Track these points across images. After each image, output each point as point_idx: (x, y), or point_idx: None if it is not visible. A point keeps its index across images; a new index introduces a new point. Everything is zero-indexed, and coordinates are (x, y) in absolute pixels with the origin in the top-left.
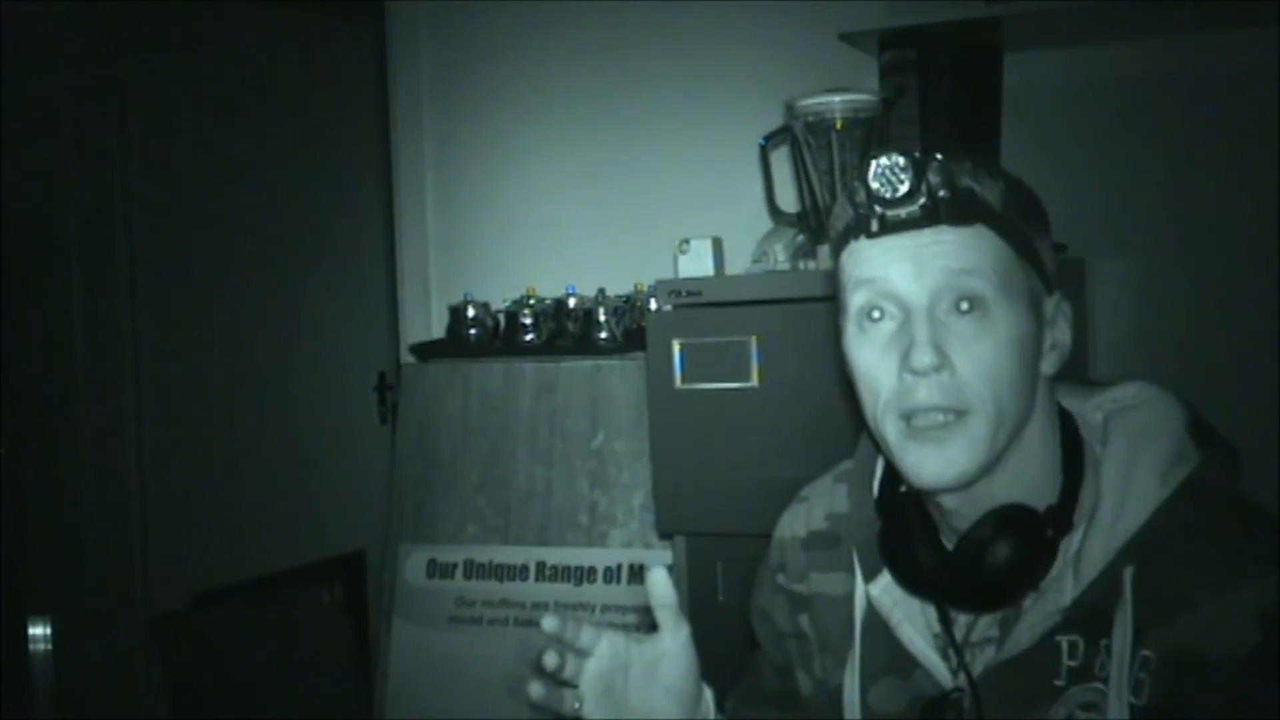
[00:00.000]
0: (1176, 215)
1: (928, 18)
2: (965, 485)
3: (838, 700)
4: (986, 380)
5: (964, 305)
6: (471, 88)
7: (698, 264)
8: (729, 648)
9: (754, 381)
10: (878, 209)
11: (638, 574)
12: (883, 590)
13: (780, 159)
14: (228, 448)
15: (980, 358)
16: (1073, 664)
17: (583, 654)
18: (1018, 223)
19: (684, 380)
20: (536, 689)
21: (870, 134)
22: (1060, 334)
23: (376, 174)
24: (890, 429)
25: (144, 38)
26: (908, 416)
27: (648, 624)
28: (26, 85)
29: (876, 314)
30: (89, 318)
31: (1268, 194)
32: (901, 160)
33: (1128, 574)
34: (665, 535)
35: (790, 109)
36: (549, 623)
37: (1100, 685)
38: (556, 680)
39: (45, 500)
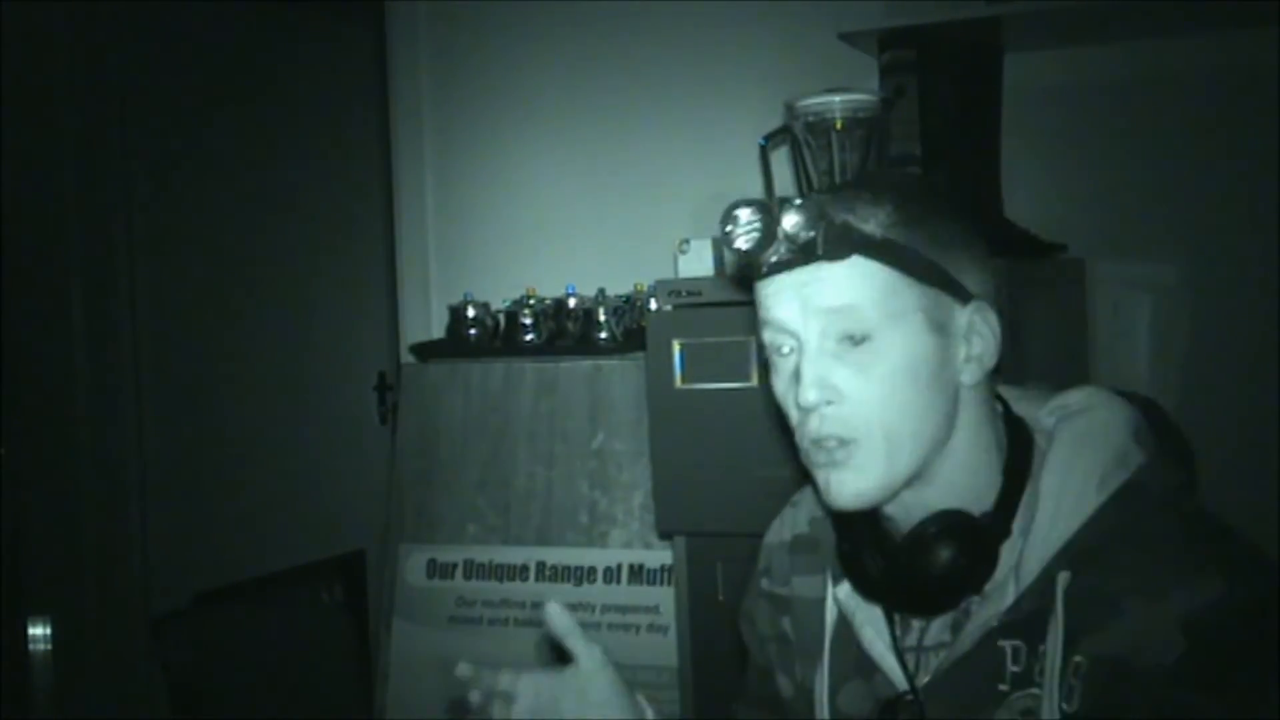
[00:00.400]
0: (1176, 215)
1: (928, 18)
2: (871, 506)
3: (813, 702)
4: (876, 408)
5: (850, 339)
6: (471, 88)
7: (698, 264)
8: (729, 647)
9: (754, 381)
10: (744, 260)
11: (638, 574)
12: (847, 594)
13: (780, 159)
14: (228, 448)
15: (868, 386)
16: (1016, 669)
17: (507, 696)
18: (906, 244)
19: (684, 380)
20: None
21: (870, 134)
22: (980, 344)
23: (376, 174)
24: (803, 452)
25: (144, 37)
26: (815, 443)
27: (644, 624)
28: (26, 85)
29: (784, 349)
30: (89, 318)
31: (1268, 194)
32: (749, 212)
33: (1061, 579)
34: (665, 535)
35: (790, 109)
36: (463, 669)
37: (1037, 691)
38: None
39: (45, 500)
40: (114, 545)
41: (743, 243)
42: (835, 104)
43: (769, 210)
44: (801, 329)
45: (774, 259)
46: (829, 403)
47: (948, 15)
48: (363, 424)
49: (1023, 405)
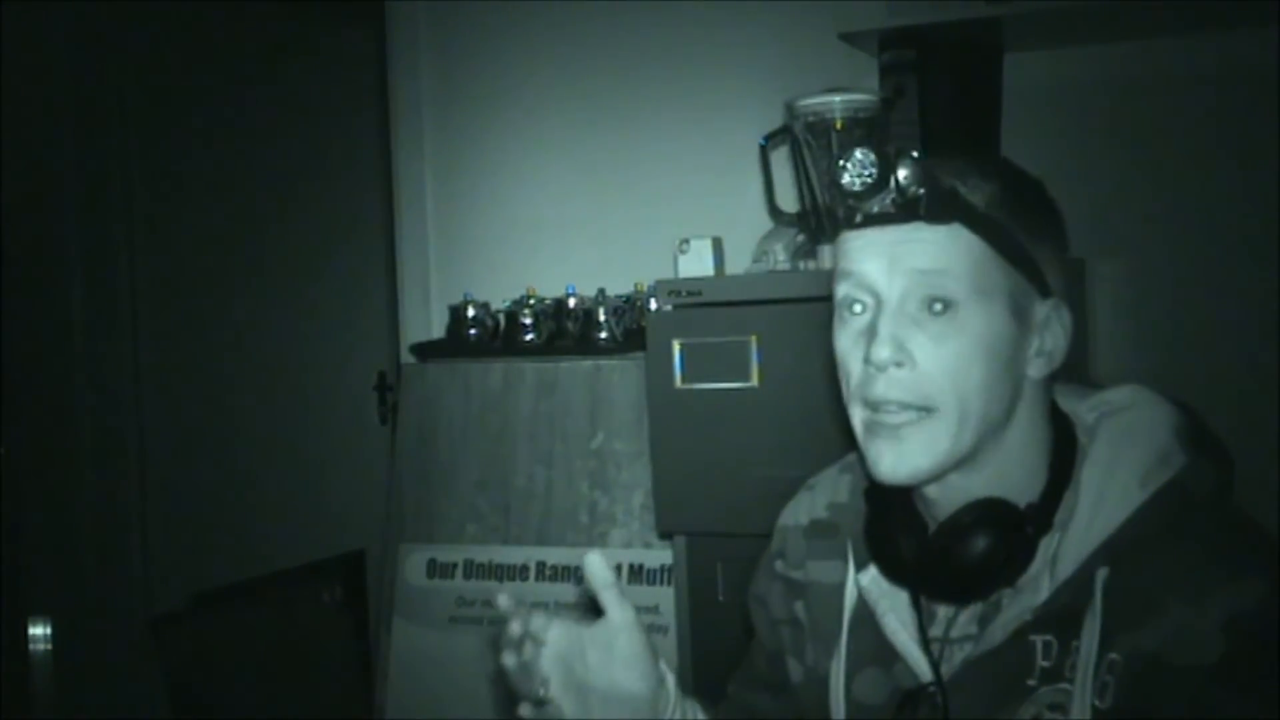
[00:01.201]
0: (1176, 215)
1: (928, 18)
2: (921, 483)
3: (826, 688)
4: (951, 379)
5: (936, 306)
6: (471, 88)
7: (698, 264)
8: (729, 647)
9: (754, 381)
10: (850, 202)
11: (638, 574)
12: (871, 580)
13: (780, 159)
14: (227, 447)
15: (946, 357)
16: (1046, 664)
17: (536, 639)
18: (1007, 225)
19: (684, 380)
20: (510, 658)
21: (870, 134)
22: (1052, 340)
23: (376, 174)
24: (856, 418)
25: (143, 38)
26: (873, 407)
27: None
28: (26, 85)
29: (857, 307)
30: (89, 318)
31: (1267, 194)
32: (869, 155)
33: (1100, 576)
34: (665, 535)
35: (790, 109)
36: (503, 600)
37: (1068, 686)
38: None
39: (45, 500)
40: (114, 545)
41: (855, 183)
42: (835, 104)
43: (886, 157)
44: (885, 287)
45: (875, 209)
46: (899, 365)
47: (948, 15)
48: (363, 424)
49: (1065, 401)
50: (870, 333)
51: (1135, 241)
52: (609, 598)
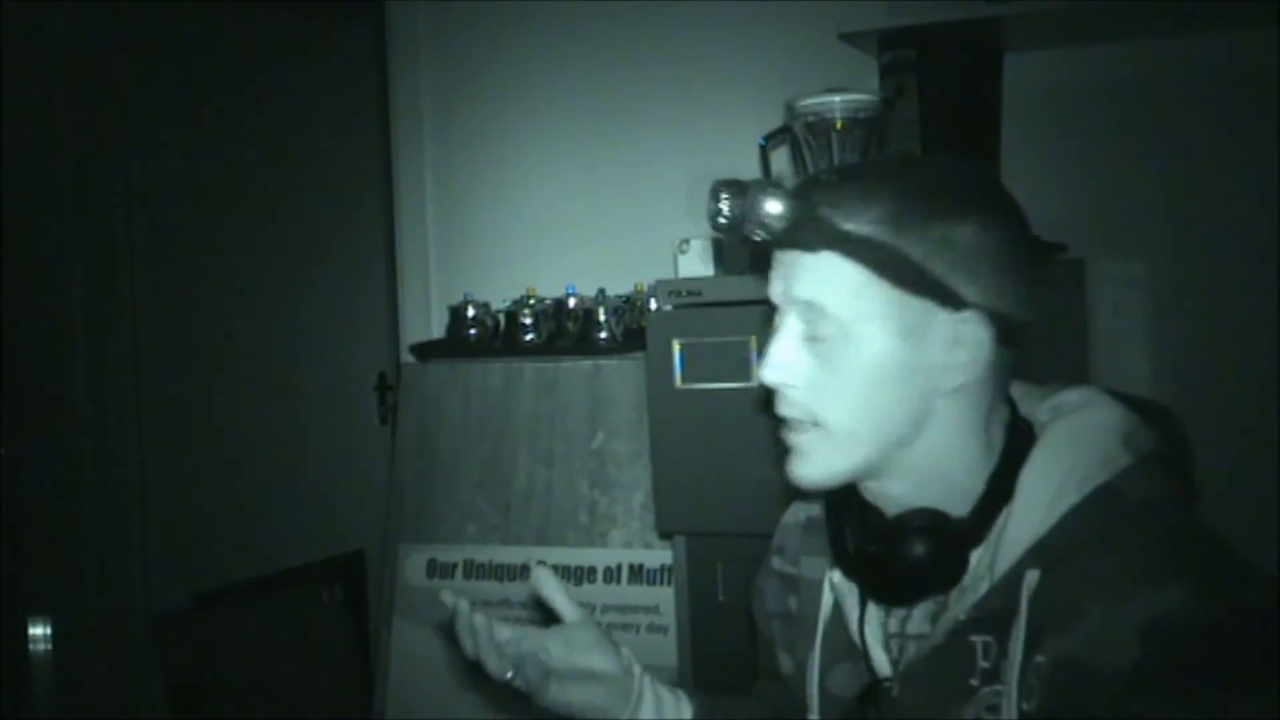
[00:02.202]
0: (1176, 215)
1: (928, 18)
2: (819, 489)
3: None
4: (836, 400)
5: (819, 329)
6: (471, 88)
7: (698, 264)
8: (729, 647)
9: (754, 381)
10: (721, 235)
11: (638, 574)
12: (840, 577)
13: (780, 159)
14: (228, 447)
15: (829, 379)
16: (985, 665)
17: (500, 649)
18: (893, 244)
19: (684, 380)
20: (467, 643)
21: (870, 134)
22: (963, 354)
23: (376, 174)
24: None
25: (143, 38)
26: (779, 419)
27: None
28: (26, 85)
29: (777, 319)
30: (89, 318)
31: (1268, 194)
32: (723, 190)
33: (1029, 578)
34: (665, 535)
35: (790, 109)
36: (447, 595)
37: (1002, 688)
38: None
39: (45, 500)
40: (114, 545)
41: (715, 219)
42: (835, 104)
43: (746, 192)
44: (782, 308)
45: (758, 238)
46: (790, 385)
47: (948, 15)
48: (363, 424)
49: (1026, 403)
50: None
51: (1135, 241)
52: (560, 601)
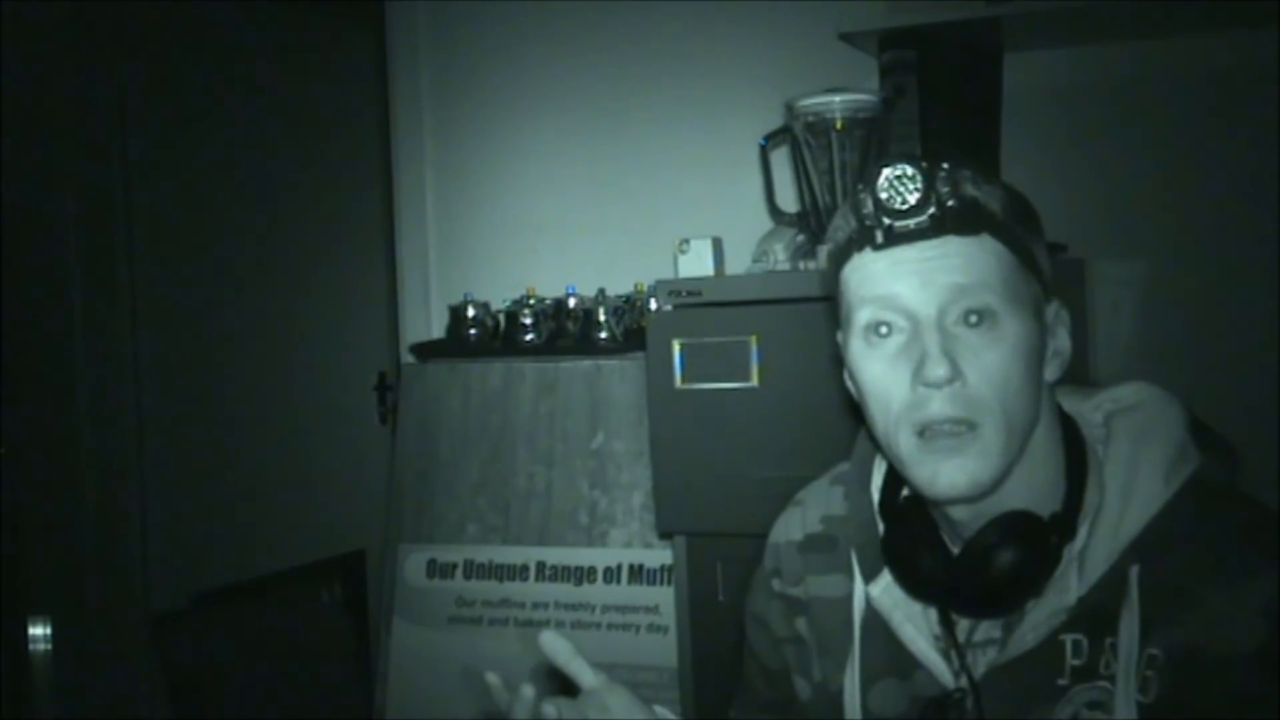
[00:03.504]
0: (1176, 215)
1: (928, 18)
2: (980, 496)
3: (838, 703)
4: (996, 390)
5: (972, 318)
6: (471, 88)
7: (698, 264)
8: (729, 648)
9: (754, 381)
10: (885, 220)
11: (638, 574)
12: (883, 591)
13: (780, 159)
14: (228, 448)
15: (990, 368)
16: (1077, 663)
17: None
18: (1018, 230)
19: (684, 380)
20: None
21: (870, 134)
22: (1061, 341)
23: (376, 174)
24: (904, 441)
25: (143, 38)
26: (921, 429)
27: (650, 624)
28: (26, 85)
29: (884, 329)
30: (89, 318)
31: (1268, 194)
32: (911, 169)
33: (1134, 572)
34: (665, 535)
35: (790, 109)
36: (492, 678)
37: (1107, 684)
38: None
39: (45, 500)
40: (114, 545)
41: (897, 200)
42: (835, 104)
43: (929, 172)
44: (920, 305)
45: (900, 226)
46: (951, 381)
47: (948, 15)
48: (363, 424)
49: (1066, 402)
50: (910, 354)
51: (1135, 241)
52: (576, 668)
